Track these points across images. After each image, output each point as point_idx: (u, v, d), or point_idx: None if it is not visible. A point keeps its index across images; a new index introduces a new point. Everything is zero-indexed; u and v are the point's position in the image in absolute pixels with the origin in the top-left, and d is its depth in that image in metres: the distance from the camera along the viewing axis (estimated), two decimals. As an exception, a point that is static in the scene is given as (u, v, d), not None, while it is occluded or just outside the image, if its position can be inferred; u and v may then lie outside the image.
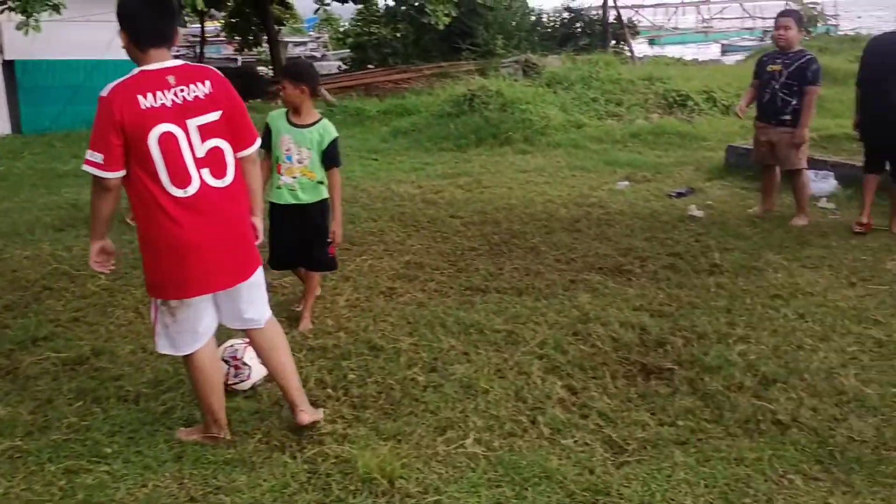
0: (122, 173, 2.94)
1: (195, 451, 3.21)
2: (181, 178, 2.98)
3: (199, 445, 3.26)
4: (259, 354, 3.46)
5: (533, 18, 26.93)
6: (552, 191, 8.02)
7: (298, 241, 4.62)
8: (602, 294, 5.01)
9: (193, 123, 3.00)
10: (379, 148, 11.06)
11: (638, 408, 3.57)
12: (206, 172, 3.04)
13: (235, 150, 3.14)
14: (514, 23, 24.92)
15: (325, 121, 4.54)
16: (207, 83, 3.05)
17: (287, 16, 31.06)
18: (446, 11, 18.38)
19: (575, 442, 3.28)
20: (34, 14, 11.63)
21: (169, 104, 2.94)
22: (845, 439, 3.23)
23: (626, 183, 8.15)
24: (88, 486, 2.98)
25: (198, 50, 28.80)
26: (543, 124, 11.12)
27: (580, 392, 3.73)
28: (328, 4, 22.62)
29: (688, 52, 35.39)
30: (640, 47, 36.65)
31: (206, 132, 3.03)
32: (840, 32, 31.96)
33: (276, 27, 31.89)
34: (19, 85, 13.53)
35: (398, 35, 24.76)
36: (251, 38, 29.38)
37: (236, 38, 31.22)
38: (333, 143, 4.48)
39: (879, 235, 5.98)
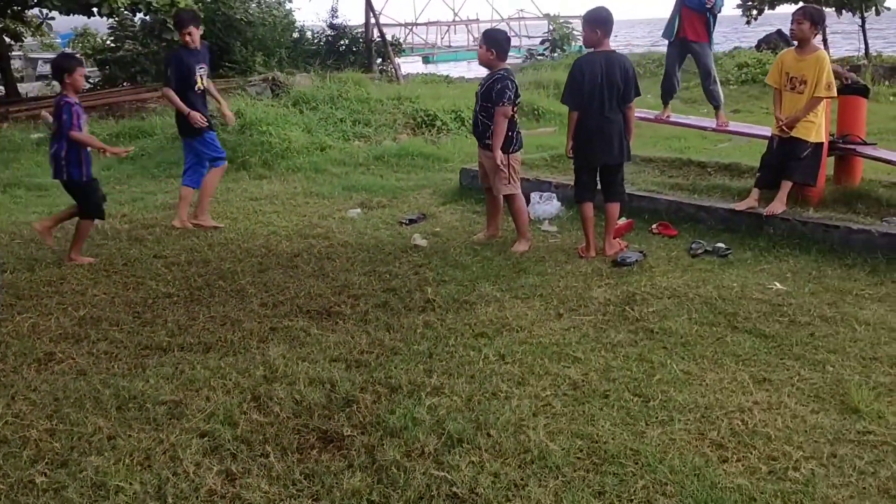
0: None
1: None
2: None
3: None
4: None
5: (296, 35, 26.28)
6: (279, 221, 7.43)
7: None
8: (301, 344, 4.50)
9: None
10: (97, 176, 9.90)
11: (300, 494, 3.05)
12: None
13: None
14: (274, 39, 24.13)
15: None
16: None
17: (24, 30, 28.25)
18: (193, 27, 17.23)
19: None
20: None
21: None
22: (520, 511, 2.90)
23: (358, 210, 7.73)
24: None
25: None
26: (284, 147, 10.51)
27: (238, 478, 3.15)
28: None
29: (459, 70, 36.34)
30: (413, 66, 37.23)
31: None
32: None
33: (14, 42, 29.02)
34: None
35: (149, 52, 23.20)
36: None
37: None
38: None
39: (595, 259, 5.93)
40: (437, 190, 8.61)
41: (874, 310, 4.69)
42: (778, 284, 5.10)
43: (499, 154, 6.05)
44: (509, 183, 6.19)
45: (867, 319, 4.54)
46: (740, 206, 6.27)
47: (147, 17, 18.32)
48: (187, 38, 6.92)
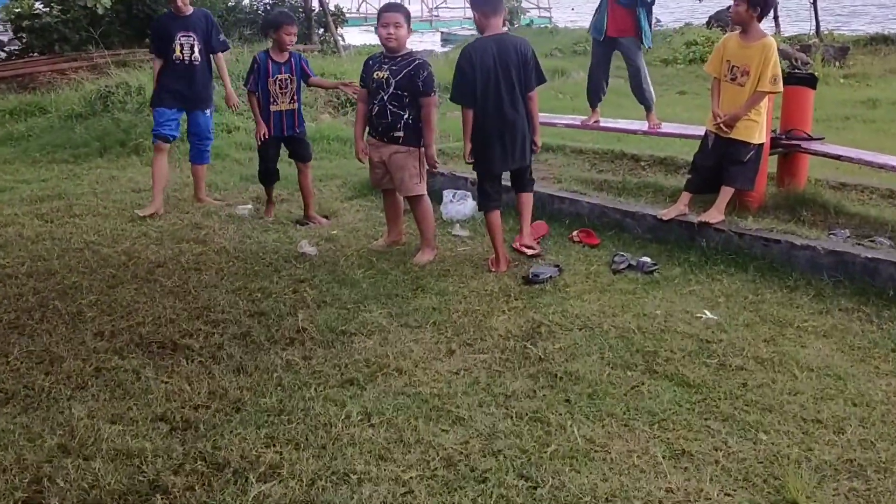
0: None
1: None
2: None
3: None
4: None
5: (231, 4, 24.89)
6: (156, 220, 6.47)
7: None
8: (124, 394, 3.63)
9: None
10: None
11: None
12: None
13: None
14: (203, 6, 22.75)
15: None
16: None
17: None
18: (108, -7, 15.95)
19: None
20: None
21: None
22: None
23: (249, 206, 6.80)
24: None
25: None
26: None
27: None
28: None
29: (412, 42, 35.21)
30: (362, 36, 35.97)
31: None
32: (550, 25, 33.02)
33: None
34: None
35: (67, 18, 21.67)
36: None
37: None
38: None
39: (504, 273, 5.12)
40: (347, 181, 7.71)
41: (818, 348, 3.96)
42: (708, 313, 4.35)
43: (433, 150, 5.28)
44: (420, 181, 5.35)
45: (810, 363, 3.80)
46: (668, 213, 5.50)
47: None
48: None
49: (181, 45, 6.45)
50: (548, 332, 4.16)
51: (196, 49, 6.50)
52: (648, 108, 6.97)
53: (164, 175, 6.76)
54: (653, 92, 6.99)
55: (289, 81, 6.13)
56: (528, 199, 5.40)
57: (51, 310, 4.62)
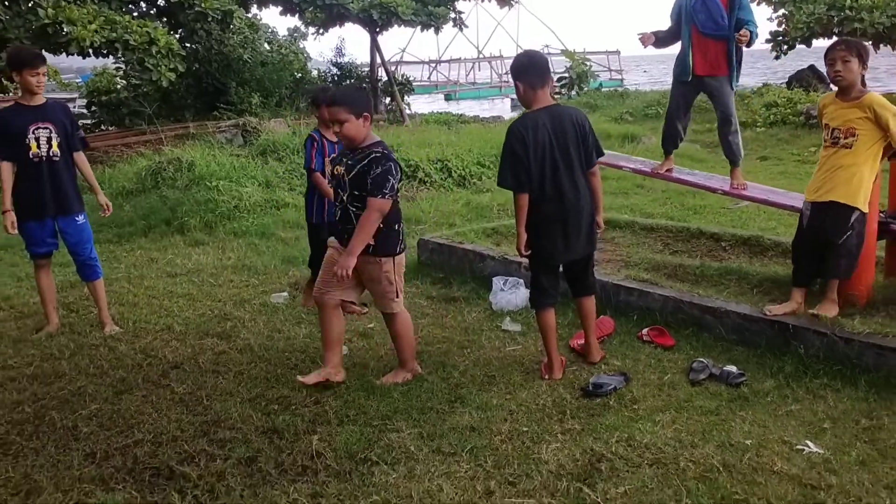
0: None
1: None
2: None
3: None
4: None
5: (298, 76, 25.15)
6: (184, 309, 5.99)
7: None
8: (95, 544, 3.02)
9: None
10: (15, 242, 8.57)
11: None
12: None
13: None
14: (273, 80, 22.99)
15: None
16: None
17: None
18: (171, 66, 16.06)
19: None
20: None
21: None
22: None
23: (285, 294, 6.27)
24: None
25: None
26: (232, 205, 9.10)
27: None
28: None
29: (482, 108, 35.18)
30: (436, 104, 36.13)
31: None
32: (621, 88, 32.40)
33: (11, 83, 28.25)
34: None
35: (139, 93, 22.12)
36: None
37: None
38: None
39: (560, 382, 4.40)
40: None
41: (959, 499, 3.11)
42: (811, 445, 3.51)
43: (353, 260, 4.21)
44: (397, 296, 4.46)
45: (951, 522, 2.96)
46: (776, 310, 4.64)
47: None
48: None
49: (36, 139, 5.31)
50: (610, 468, 3.39)
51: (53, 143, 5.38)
52: (734, 163, 6.07)
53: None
54: (741, 144, 6.15)
55: None
56: (591, 307, 4.61)
57: (46, 422, 4.10)
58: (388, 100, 25.67)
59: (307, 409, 4.16)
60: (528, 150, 4.20)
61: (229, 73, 22.21)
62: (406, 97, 26.98)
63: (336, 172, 4.37)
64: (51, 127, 5.32)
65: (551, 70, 4.48)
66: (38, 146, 5.30)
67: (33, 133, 5.29)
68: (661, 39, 6.13)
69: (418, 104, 32.44)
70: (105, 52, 16.25)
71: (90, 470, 3.62)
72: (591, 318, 4.61)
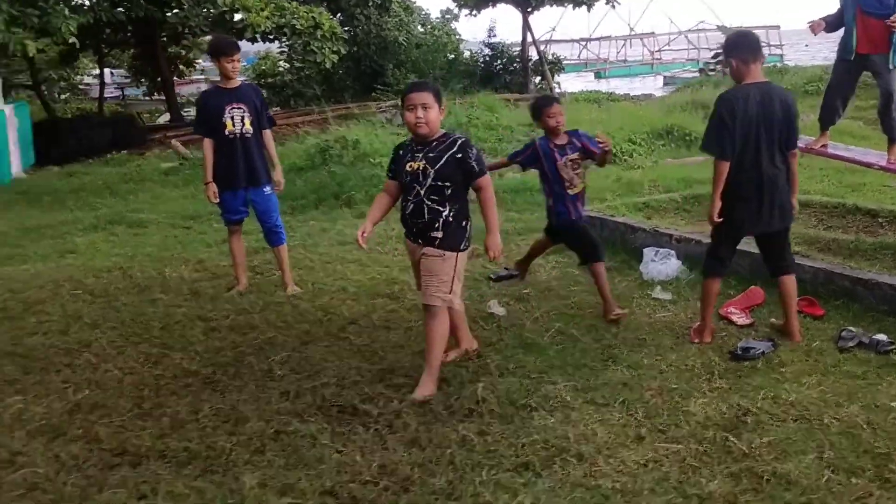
0: None
1: None
2: None
3: None
4: None
5: (451, 56, 25.74)
6: (356, 273, 6.58)
7: None
8: (297, 462, 3.57)
9: None
10: (202, 212, 9.53)
11: None
12: None
13: None
14: (428, 61, 23.69)
15: None
16: None
17: (188, 58, 29.50)
18: (334, 49, 17.00)
19: None
20: None
21: None
22: None
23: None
24: None
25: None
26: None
27: None
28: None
29: (632, 86, 34.72)
30: (578, 82, 35.94)
31: None
32: (780, 64, 31.11)
33: (187, 68, 30.44)
34: None
35: (301, 76, 23.35)
36: (159, 79, 27.93)
37: (143, 81, 29.79)
38: None
39: (709, 346, 4.62)
40: (547, 236, 7.47)
41: None
42: (960, 409, 3.62)
43: (498, 237, 4.28)
44: (450, 292, 4.28)
45: None
46: None
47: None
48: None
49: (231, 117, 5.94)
50: (755, 421, 3.63)
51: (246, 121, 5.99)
52: (893, 139, 6.08)
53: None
54: None
55: (578, 160, 5.35)
56: (792, 285, 4.65)
57: (244, 366, 4.73)
58: (538, 79, 25.89)
59: (470, 362, 4.59)
60: (735, 121, 4.39)
61: (386, 55, 23.11)
62: (556, 76, 27.11)
63: (412, 168, 4.25)
64: (244, 107, 5.98)
65: (762, 48, 4.63)
66: (233, 124, 5.97)
67: (229, 112, 5.97)
68: (830, 24, 6.21)
69: (568, 83, 32.35)
70: (273, 36, 17.40)
71: (286, 405, 4.20)
72: (792, 297, 4.65)
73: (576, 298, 5.57)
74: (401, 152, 4.41)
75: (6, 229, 8.95)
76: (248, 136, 6.02)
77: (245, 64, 38.00)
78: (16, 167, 13.44)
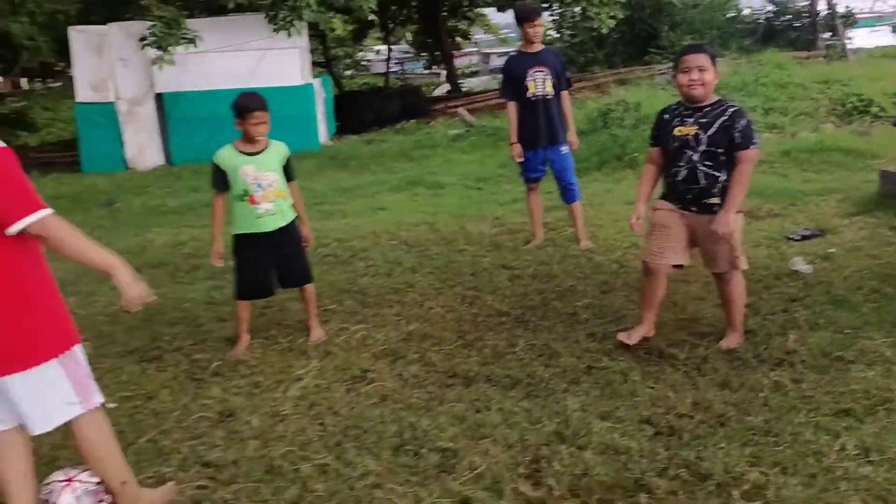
0: None
1: None
2: None
3: None
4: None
5: (730, 15, 24.61)
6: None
7: (276, 265, 4.72)
8: (612, 393, 3.85)
9: None
10: (491, 175, 10.13)
11: None
12: None
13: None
14: (704, 21, 22.84)
15: (273, 141, 4.66)
16: None
17: (465, 30, 30.71)
18: (611, 14, 16.96)
19: None
20: (169, 48, 11.94)
21: None
22: None
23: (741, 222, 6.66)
24: None
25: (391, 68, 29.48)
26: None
27: (476, 570, 2.68)
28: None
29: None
30: (871, 38, 32.72)
31: None
32: None
33: (464, 40, 31.78)
34: (169, 117, 14.01)
35: (573, 42, 23.54)
36: (438, 53, 29.51)
37: (424, 55, 31.62)
38: (290, 157, 4.72)
39: None
40: (850, 196, 7.11)
41: None
42: None
43: (729, 219, 4.06)
44: (742, 254, 4.30)
45: None
46: None
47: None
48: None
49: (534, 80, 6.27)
50: None
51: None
52: None
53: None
54: None
55: None
56: None
57: (550, 309, 5.09)
58: (827, 34, 23.97)
59: (777, 316, 4.60)
60: None
61: (661, 17, 22.59)
62: (847, 31, 24.90)
63: (681, 133, 4.17)
64: (546, 70, 6.32)
65: None
66: (535, 87, 6.34)
67: (531, 75, 6.33)
68: None
69: (858, 39, 29.54)
70: (547, 3, 17.70)
71: (594, 345, 4.48)
72: None
73: (890, 259, 5.31)
74: (666, 116, 4.33)
75: (324, 189, 10.10)
76: (550, 97, 6.35)
77: (515, 35, 38.87)
78: (323, 135, 15.00)
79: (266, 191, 4.57)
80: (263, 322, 5.17)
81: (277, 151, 4.66)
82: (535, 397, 3.90)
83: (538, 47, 6.42)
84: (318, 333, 4.88)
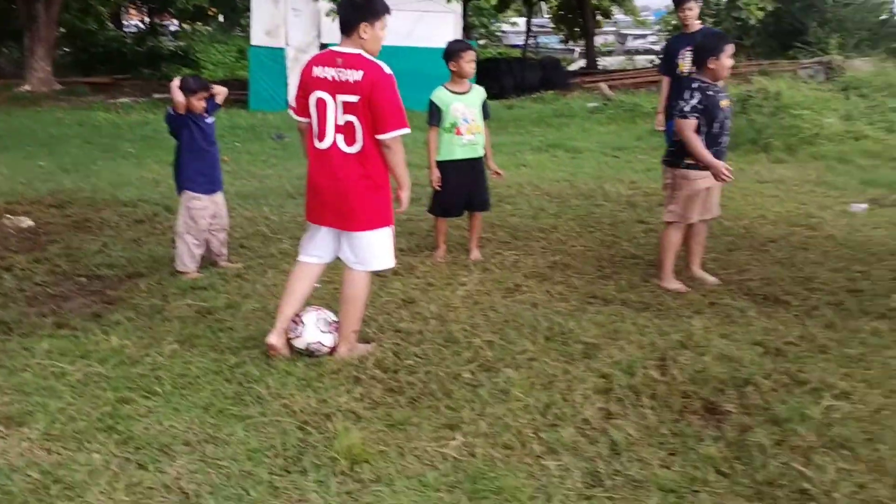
0: (304, 120, 3.94)
1: (221, 403, 3.60)
2: (321, 134, 3.87)
3: (228, 400, 3.63)
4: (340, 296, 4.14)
5: (884, 17, 23.98)
6: (775, 206, 7.31)
7: (468, 190, 5.69)
8: (730, 321, 4.58)
9: (340, 99, 3.80)
10: (627, 145, 10.78)
11: (659, 444, 3.29)
12: (339, 137, 3.85)
13: (372, 132, 3.82)
14: (855, 21, 22.39)
15: (475, 84, 5.72)
16: (360, 73, 3.77)
17: (613, 9, 30.94)
18: (761, 5, 17.06)
19: (558, 465, 3.13)
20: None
21: (329, 78, 3.81)
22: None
23: (865, 206, 7.16)
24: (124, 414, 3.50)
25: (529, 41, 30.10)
26: (814, 133, 10.06)
27: (613, 417, 3.51)
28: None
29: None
30: None
31: (346, 108, 3.80)
32: None
33: (605, 18, 31.98)
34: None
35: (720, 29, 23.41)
36: (577, 29, 29.94)
37: (562, 29, 32.06)
38: (486, 99, 5.72)
39: None
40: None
41: None
42: None
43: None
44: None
45: None
46: None
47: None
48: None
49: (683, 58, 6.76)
50: None
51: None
52: None
53: None
54: None
55: None
56: None
57: (681, 259, 5.77)
58: None
59: (883, 282, 5.18)
60: None
61: (810, 12, 22.30)
62: None
63: (725, 106, 5.13)
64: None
65: None
66: (684, 65, 6.97)
67: (682, 55, 6.98)
68: None
69: None
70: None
71: (718, 288, 5.19)
72: None
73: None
74: (709, 93, 5.06)
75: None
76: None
77: (653, 17, 38.58)
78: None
79: (470, 124, 5.57)
80: (430, 241, 6.10)
81: (479, 94, 5.67)
82: (664, 318, 4.67)
83: (694, 28, 7.05)
84: (476, 254, 5.79)
